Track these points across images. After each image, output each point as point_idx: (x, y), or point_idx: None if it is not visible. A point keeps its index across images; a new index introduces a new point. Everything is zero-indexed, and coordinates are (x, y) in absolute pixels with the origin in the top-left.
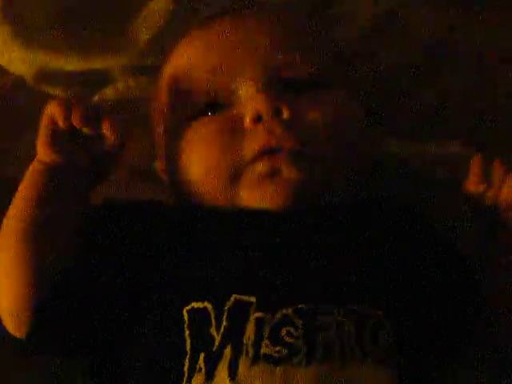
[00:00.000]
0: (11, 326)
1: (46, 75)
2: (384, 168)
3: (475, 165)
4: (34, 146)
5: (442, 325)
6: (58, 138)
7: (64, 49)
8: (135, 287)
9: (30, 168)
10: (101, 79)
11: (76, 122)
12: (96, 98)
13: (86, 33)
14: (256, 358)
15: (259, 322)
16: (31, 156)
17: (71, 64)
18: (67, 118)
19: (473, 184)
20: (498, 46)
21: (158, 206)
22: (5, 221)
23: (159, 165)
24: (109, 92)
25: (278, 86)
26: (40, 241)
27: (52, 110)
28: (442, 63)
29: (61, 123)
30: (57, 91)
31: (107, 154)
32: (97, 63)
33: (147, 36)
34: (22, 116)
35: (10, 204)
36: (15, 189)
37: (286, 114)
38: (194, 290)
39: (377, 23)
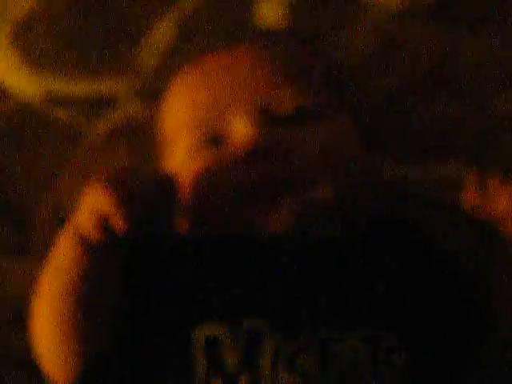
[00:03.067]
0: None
1: (53, 99)
2: (385, 190)
3: (470, 179)
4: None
5: (452, 345)
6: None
7: (72, 73)
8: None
9: (67, 237)
10: (108, 103)
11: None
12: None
13: (93, 57)
14: None
15: (274, 349)
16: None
17: (79, 88)
18: (121, 216)
19: (469, 198)
20: (498, 68)
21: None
22: (45, 289)
23: None
24: (116, 116)
25: (270, 122)
26: (84, 314)
27: (102, 204)
28: (442, 85)
29: (116, 225)
30: (64, 115)
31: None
32: (104, 87)
33: (155, 61)
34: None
35: None
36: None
37: (279, 150)
38: (206, 312)
39: (376, 47)
